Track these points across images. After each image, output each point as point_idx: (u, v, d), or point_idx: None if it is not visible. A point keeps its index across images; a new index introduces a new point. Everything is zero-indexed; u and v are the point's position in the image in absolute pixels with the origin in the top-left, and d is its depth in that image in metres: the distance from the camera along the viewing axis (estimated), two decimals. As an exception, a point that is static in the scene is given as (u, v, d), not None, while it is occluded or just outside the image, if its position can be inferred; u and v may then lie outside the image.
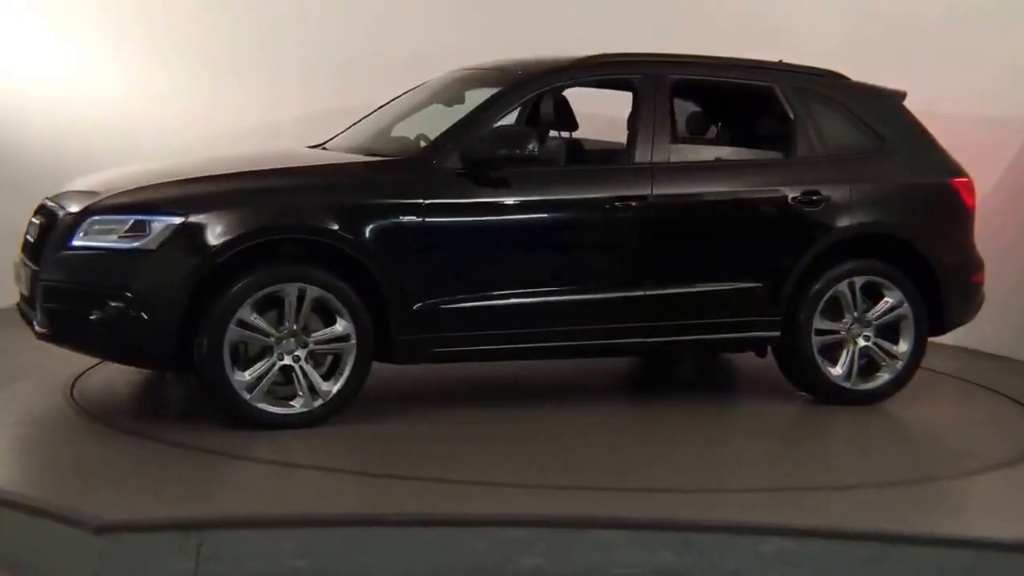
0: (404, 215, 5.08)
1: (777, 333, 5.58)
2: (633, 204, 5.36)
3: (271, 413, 4.98)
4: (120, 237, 4.89)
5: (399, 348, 5.14)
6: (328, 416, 5.05)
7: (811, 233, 5.59)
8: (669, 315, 5.47)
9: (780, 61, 5.97)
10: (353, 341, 5.02)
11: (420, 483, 4.48)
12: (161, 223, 4.86)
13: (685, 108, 6.33)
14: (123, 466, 4.66)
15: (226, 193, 5.01)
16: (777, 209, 5.60)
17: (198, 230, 4.86)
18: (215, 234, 4.86)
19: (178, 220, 4.86)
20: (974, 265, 5.91)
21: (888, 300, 5.68)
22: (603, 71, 5.76)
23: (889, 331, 5.71)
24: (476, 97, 5.69)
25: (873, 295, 5.71)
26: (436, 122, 5.57)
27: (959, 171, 5.90)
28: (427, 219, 5.11)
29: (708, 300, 5.50)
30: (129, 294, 4.81)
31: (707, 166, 5.74)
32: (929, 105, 6.26)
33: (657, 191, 5.42)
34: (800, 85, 5.77)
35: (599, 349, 5.65)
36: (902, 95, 5.96)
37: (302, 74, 7.65)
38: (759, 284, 5.53)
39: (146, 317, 4.82)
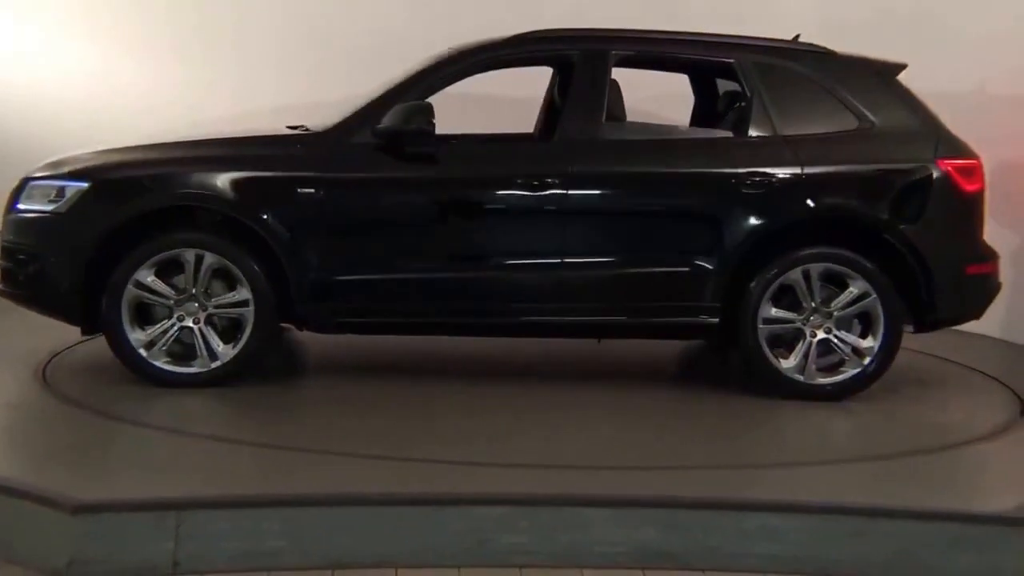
0: (304, 188, 5.19)
1: (716, 320, 5.30)
2: (549, 181, 5.24)
3: (169, 371, 5.23)
4: (49, 202, 5.25)
5: (301, 317, 5.33)
6: (225, 378, 5.23)
7: (753, 216, 5.25)
8: (587, 296, 5.31)
9: (797, 36, 5.70)
10: (251, 307, 5.17)
11: (400, 463, 4.45)
12: (72, 188, 5.22)
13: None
14: (99, 447, 4.62)
15: (132, 163, 5.32)
16: (715, 190, 5.32)
17: (100, 196, 5.20)
18: (113, 200, 5.19)
19: (85, 185, 5.20)
20: (970, 255, 5.41)
21: (852, 290, 5.30)
22: (539, 47, 5.60)
23: (865, 324, 5.37)
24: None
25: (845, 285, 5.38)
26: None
27: (955, 152, 5.39)
28: (327, 192, 5.20)
29: (631, 282, 5.29)
30: (44, 253, 5.22)
31: (638, 144, 5.48)
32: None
33: (577, 168, 5.29)
34: (763, 61, 5.44)
35: (508, 327, 5.48)
36: (894, 69, 5.56)
37: (276, 61, 7.54)
38: (691, 268, 5.27)
39: (55, 276, 5.21)
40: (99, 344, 5.77)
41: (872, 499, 4.27)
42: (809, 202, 5.29)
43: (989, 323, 6.05)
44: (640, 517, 4.11)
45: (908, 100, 5.49)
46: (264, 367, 5.76)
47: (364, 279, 5.26)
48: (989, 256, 5.50)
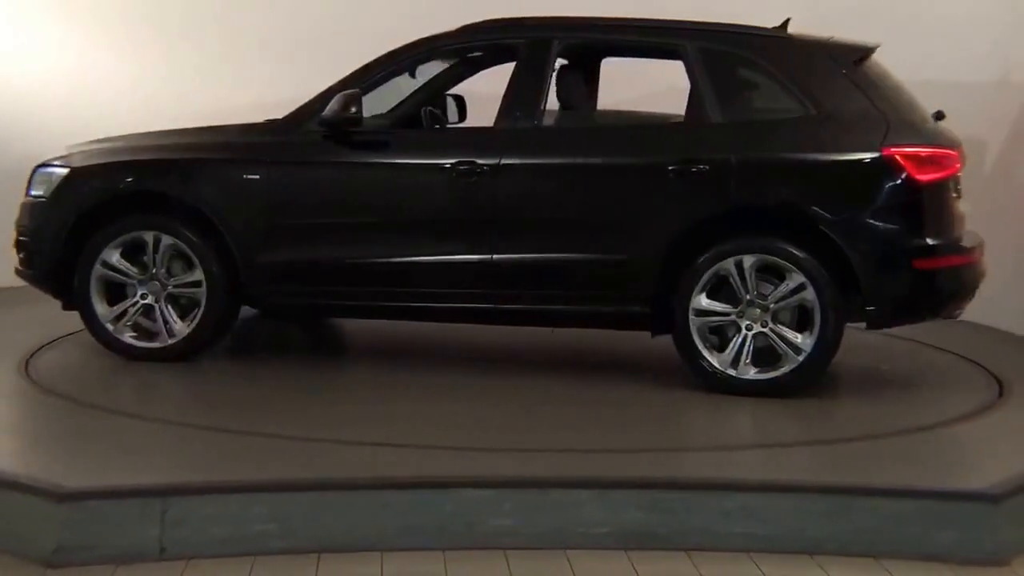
0: (249, 174, 5.42)
1: (646, 310, 5.21)
2: (482, 169, 5.25)
3: (133, 345, 5.57)
4: (45, 188, 5.66)
5: (251, 298, 5.56)
6: (186, 353, 5.52)
7: (681, 205, 5.15)
8: (518, 283, 5.29)
9: (787, 21, 5.51)
10: (204, 288, 5.44)
11: (385, 447, 4.46)
12: (57, 175, 5.64)
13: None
14: (83, 437, 4.61)
15: (105, 151, 5.70)
16: (644, 178, 5.22)
17: (75, 182, 5.58)
18: (85, 186, 5.58)
19: (65, 171, 5.62)
20: (920, 249, 5.07)
21: (788, 283, 5.09)
22: (486, 37, 5.60)
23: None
24: (427, 70, 5.86)
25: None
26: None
27: (908, 140, 5.08)
28: (269, 177, 5.41)
29: (561, 270, 5.25)
30: (36, 236, 5.63)
31: (571, 132, 5.48)
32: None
33: (509, 157, 5.27)
34: (709, 47, 5.28)
35: (442, 313, 5.51)
36: (854, 52, 5.32)
37: (265, 55, 7.55)
38: (621, 257, 5.19)
39: (43, 255, 5.61)
40: (83, 337, 5.81)
41: (852, 478, 4.31)
42: (737, 191, 5.12)
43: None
44: (624, 499, 4.14)
45: (864, 85, 5.21)
46: (248, 354, 5.81)
47: (302, 262, 5.43)
48: (949, 250, 5.14)
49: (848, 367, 5.76)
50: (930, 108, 5.45)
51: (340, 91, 5.36)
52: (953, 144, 5.27)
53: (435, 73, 6.12)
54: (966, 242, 5.30)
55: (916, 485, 4.27)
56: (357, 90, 5.35)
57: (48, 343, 5.87)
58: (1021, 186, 6.83)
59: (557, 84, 5.56)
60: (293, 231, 5.43)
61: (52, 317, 5.93)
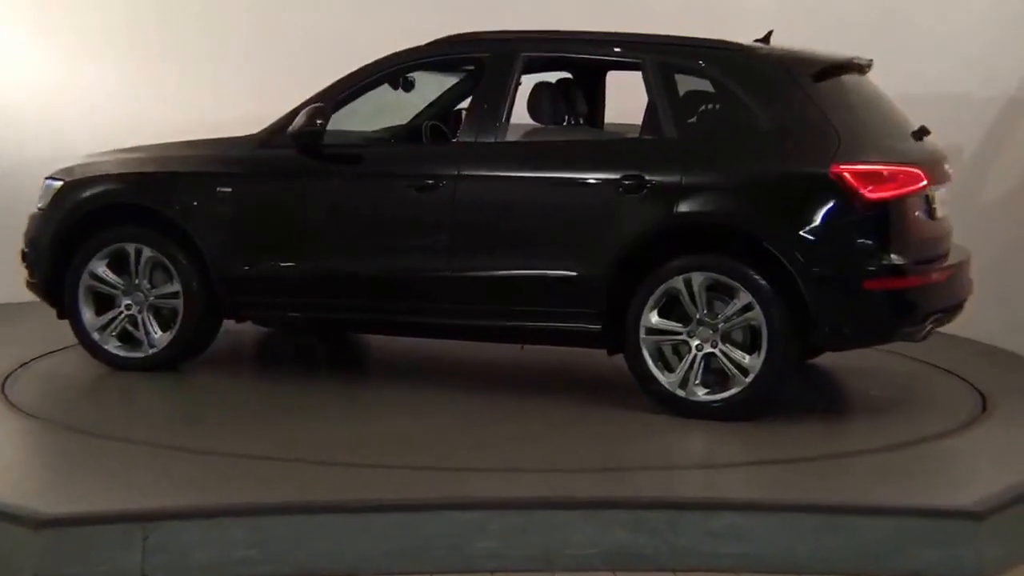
0: (222, 187, 5.51)
1: (597, 327, 5.14)
2: (440, 183, 5.26)
3: (116, 354, 5.68)
4: (45, 200, 5.83)
5: (225, 308, 5.63)
6: (167, 363, 5.63)
7: (631, 221, 5.06)
8: (473, 298, 5.28)
9: (769, 33, 5.52)
10: (181, 299, 5.55)
11: (367, 469, 4.43)
12: (53, 187, 5.81)
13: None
14: (62, 461, 4.57)
15: (93, 164, 5.84)
16: (597, 194, 5.13)
17: (66, 195, 5.74)
18: (73, 199, 5.71)
19: (59, 184, 5.78)
20: (871, 269, 4.88)
21: (736, 303, 4.97)
22: (455, 50, 5.62)
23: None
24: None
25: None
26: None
27: (859, 157, 4.91)
28: (240, 190, 5.51)
29: (516, 286, 5.22)
30: (34, 246, 5.80)
31: (527, 147, 5.44)
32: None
33: (466, 171, 5.27)
34: (667, 61, 5.22)
35: (403, 327, 5.59)
36: (813, 65, 5.19)
37: (245, 67, 7.53)
38: (570, 273, 5.13)
39: (37, 266, 5.77)
40: (61, 357, 5.78)
41: (838, 496, 4.31)
42: (683, 207, 5.00)
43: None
44: (610, 519, 4.11)
45: (821, 100, 5.08)
46: (232, 367, 5.80)
47: (271, 274, 5.50)
48: (904, 271, 4.94)
49: (831, 382, 5.78)
50: (920, 122, 5.41)
51: (306, 105, 5.41)
52: (920, 161, 5.11)
53: (445, 87, 6.17)
54: (940, 260, 5.18)
55: (901, 503, 4.27)
56: (321, 104, 5.40)
57: (26, 363, 5.80)
58: (1004, 197, 6.85)
59: (529, 99, 5.54)
60: (262, 243, 5.53)
61: (30, 336, 5.89)
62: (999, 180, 6.88)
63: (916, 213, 5.08)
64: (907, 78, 6.38)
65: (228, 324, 5.86)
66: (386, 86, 5.69)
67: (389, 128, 6.07)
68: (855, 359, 5.83)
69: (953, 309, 5.35)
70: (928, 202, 5.18)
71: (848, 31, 6.85)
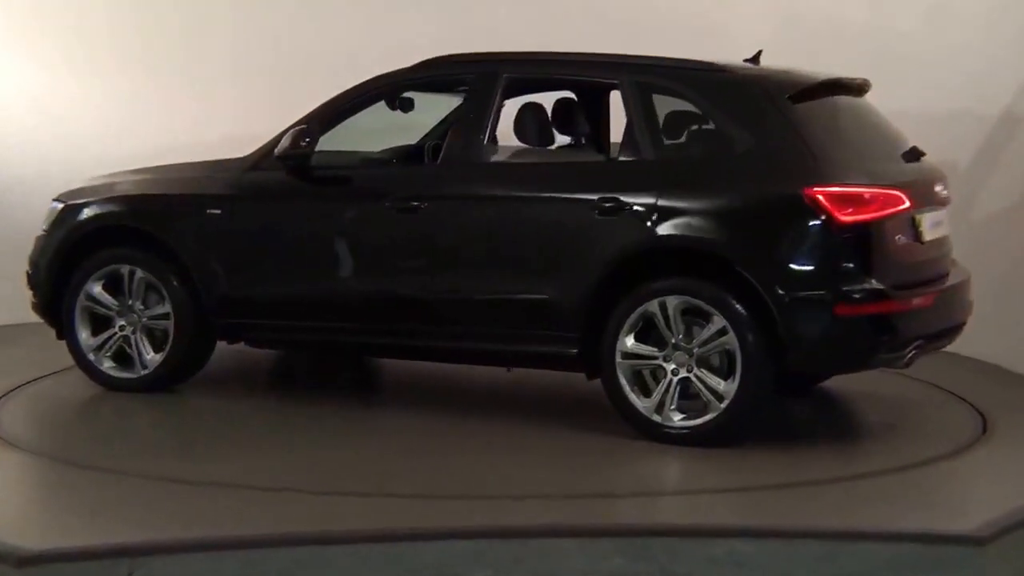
0: (212, 209, 5.55)
1: (573, 350, 5.08)
2: (421, 205, 5.25)
3: (110, 375, 5.71)
4: (47, 222, 5.89)
5: (214, 329, 5.64)
6: (159, 384, 5.65)
7: (606, 244, 4.99)
8: (449, 321, 5.26)
9: (758, 53, 5.47)
10: (172, 320, 5.57)
11: (359, 498, 4.35)
12: (55, 209, 5.88)
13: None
14: (45, 493, 4.50)
15: (92, 186, 5.91)
16: (570, 216, 5.08)
17: (65, 217, 5.81)
18: (70, 221, 5.78)
19: (59, 207, 5.86)
20: (842, 295, 4.76)
21: (711, 327, 4.88)
22: (438, 72, 5.58)
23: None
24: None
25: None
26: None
27: (835, 179, 4.81)
28: (229, 212, 5.55)
29: (494, 308, 5.18)
30: (34, 267, 5.87)
31: (505, 168, 5.39)
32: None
33: (444, 193, 5.27)
34: (645, 81, 5.16)
35: (381, 349, 5.68)
36: (791, 86, 5.08)
37: (235, 87, 7.49)
38: (547, 296, 5.09)
39: (38, 287, 5.84)
40: (45, 385, 5.75)
41: (838, 522, 4.23)
42: (658, 231, 4.92)
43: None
44: (607, 547, 4.04)
45: (798, 121, 4.98)
46: (221, 394, 5.74)
47: (258, 295, 5.53)
48: (880, 296, 4.80)
49: (829, 404, 5.71)
50: (919, 140, 5.34)
51: (295, 128, 5.44)
52: (903, 183, 4.99)
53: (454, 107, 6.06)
54: (928, 284, 5.06)
55: (901, 528, 4.20)
56: (305, 126, 5.42)
57: (10, 391, 5.72)
58: (999, 215, 6.80)
59: (515, 121, 5.50)
60: (249, 265, 5.56)
61: (11, 364, 5.82)
62: (999, 197, 6.83)
63: (897, 237, 4.96)
64: (904, 95, 6.34)
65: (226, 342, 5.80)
66: (375, 108, 5.66)
67: (395, 148, 6.06)
68: (853, 378, 5.75)
69: (946, 333, 5.24)
70: (914, 225, 5.06)
71: (845, 49, 6.83)
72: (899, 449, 5.13)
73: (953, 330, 5.30)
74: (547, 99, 5.74)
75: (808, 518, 4.29)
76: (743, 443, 5.05)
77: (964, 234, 5.90)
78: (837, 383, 5.87)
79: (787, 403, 5.64)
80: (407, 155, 6.02)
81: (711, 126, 5.09)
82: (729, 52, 5.58)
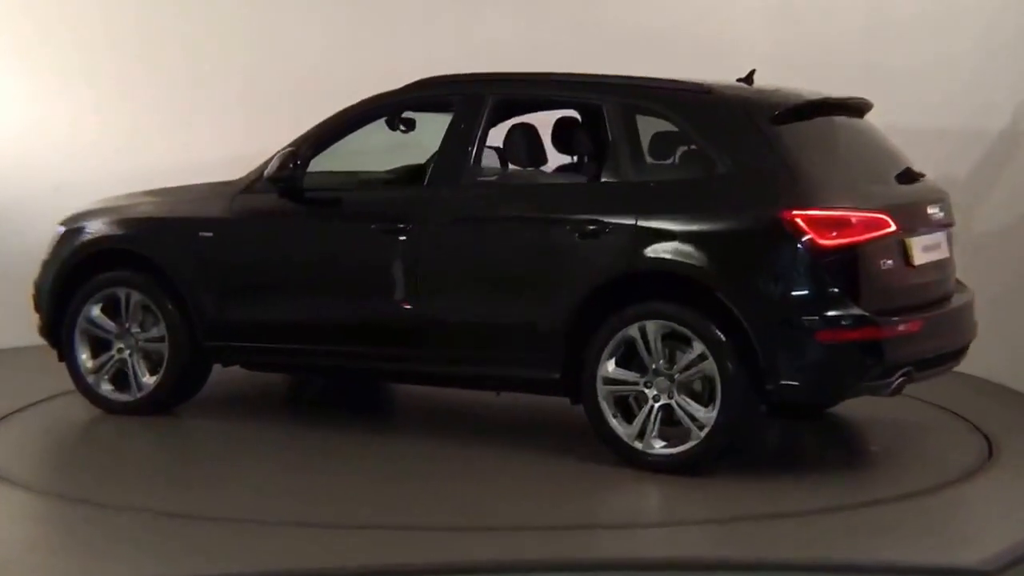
0: (204, 232, 5.59)
1: (556, 375, 5.01)
2: (402, 227, 5.24)
3: (107, 398, 5.74)
4: (51, 246, 5.93)
5: (207, 352, 5.63)
6: (155, 406, 5.65)
7: (586, 268, 4.94)
8: (434, 345, 5.26)
9: (751, 72, 5.42)
10: (166, 342, 5.58)
11: (353, 531, 4.30)
12: (58, 233, 5.93)
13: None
14: (38, 529, 4.43)
15: (91, 212, 5.96)
16: (551, 239, 5.04)
17: (66, 241, 5.88)
18: (70, 245, 5.85)
19: (62, 230, 5.92)
20: (824, 320, 4.66)
21: (690, 353, 4.79)
22: (427, 93, 5.56)
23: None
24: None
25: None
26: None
27: (815, 203, 4.72)
28: (221, 235, 5.58)
29: (475, 331, 5.16)
30: (38, 290, 5.91)
31: (490, 190, 5.35)
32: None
33: (429, 215, 5.24)
34: (629, 103, 5.11)
35: (368, 372, 5.70)
36: (777, 108, 5.00)
37: (231, 108, 7.48)
38: (529, 319, 5.04)
39: (41, 311, 5.87)
40: (37, 414, 5.75)
41: (839, 554, 4.14)
42: (638, 254, 4.86)
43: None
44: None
45: (780, 142, 4.89)
46: (218, 417, 5.75)
47: (248, 318, 5.54)
48: (863, 321, 4.68)
49: (830, 429, 5.61)
50: (917, 156, 5.25)
51: (283, 150, 5.45)
52: (890, 206, 4.87)
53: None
54: (920, 309, 4.94)
55: (904, 560, 4.11)
56: (294, 148, 5.43)
57: (7, 415, 5.69)
58: (998, 232, 6.73)
59: (505, 141, 5.51)
60: (240, 288, 5.58)
61: (11, 387, 5.83)
62: (1001, 213, 6.75)
63: (882, 261, 4.84)
64: (902, 110, 6.26)
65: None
66: (366, 129, 5.62)
67: (403, 167, 6.00)
68: (849, 407, 5.61)
69: (946, 358, 5.13)
70: (903, 249, 4.93)
71: (843, 67, 6.77)
72: (901, 475, 5.03)
73: (954, 355, 5.19)
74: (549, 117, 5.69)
75: (806, 550, 4.19)
76: (742, 472, 4.93)
77: (969, 250, 5.80)
78: (840, 404, 5.78)
79: (784, 427, 5.56)
80: (414, 174, 5.91)
81: (694, 148, 5.04)
82: (728, 71, 5.50)
